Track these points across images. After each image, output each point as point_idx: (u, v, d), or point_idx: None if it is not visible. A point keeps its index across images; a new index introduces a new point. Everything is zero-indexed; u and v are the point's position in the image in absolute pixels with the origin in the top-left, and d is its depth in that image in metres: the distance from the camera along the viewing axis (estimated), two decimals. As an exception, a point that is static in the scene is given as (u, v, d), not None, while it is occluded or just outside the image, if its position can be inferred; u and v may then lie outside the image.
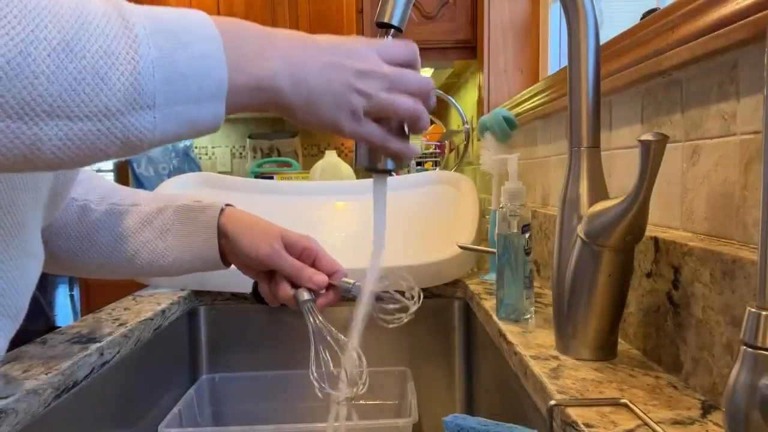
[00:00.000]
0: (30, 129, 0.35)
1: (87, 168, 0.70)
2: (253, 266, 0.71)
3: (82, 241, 0.69)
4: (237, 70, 0.43)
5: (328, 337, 0.70)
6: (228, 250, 0.71)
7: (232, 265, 0.73)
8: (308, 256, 0.72)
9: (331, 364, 0.71)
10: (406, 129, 0.55)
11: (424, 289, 1.14)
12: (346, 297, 0.73)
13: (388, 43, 0.54)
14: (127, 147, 0.39)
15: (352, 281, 0.73)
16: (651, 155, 0.53)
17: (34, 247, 0.56)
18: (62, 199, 0.62)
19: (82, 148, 0.37)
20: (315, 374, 0.69)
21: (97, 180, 0.73)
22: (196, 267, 0.72)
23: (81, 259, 0.70)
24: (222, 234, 0.71)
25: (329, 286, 0.72)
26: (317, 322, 0.70)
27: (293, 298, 0.69)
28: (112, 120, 0.37)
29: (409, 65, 0.54)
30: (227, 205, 0.74)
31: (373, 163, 0.58)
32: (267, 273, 0.72)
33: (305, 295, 0.70)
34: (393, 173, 0.61)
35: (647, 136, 0.52)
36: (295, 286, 0.70)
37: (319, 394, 0.69)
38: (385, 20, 0.58)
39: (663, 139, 0.52)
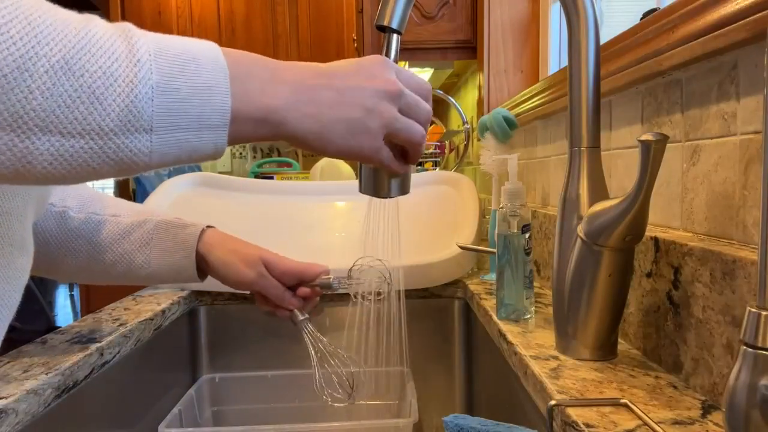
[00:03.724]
0: (22, 142, 0.35)
1: None
2: (237, 289, 0.76)
3: (60, 248, 0.70)
4: (242, 101, 0.42)
5: (326, 350, 0.76)
6: (210, 273, 0.75)
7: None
8: (290, 277, 0.76)
9: (334, 374, 0.77)
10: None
11: (424, 290, 1.14)
12: (329, 290, 0.79)
13: (406, 70, 0.53)
14: (121, 168, 0.39)
15: (330, 277, 0.78)
16: (651, 155, 0.53)
17: (21, 238, 0.56)
18: (50, 192, 0.62)
19: (73, 165, 0.37)
20: (321, 383, 0.74)
21: (82, 187, 0.74)
22: (172, 280, 0.75)
23: (58, 264, 0.71)
24: (202, 259, 0.74)
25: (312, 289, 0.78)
26: (315, 339, 0.76)
27: (289, 318, 0.76)
28: (105, 140, 0.37)
29: (423, 98, 0.53)
30: (208, 227, 0.77)
31: (378, 192, 0.59)
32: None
33: (300, 316, 0.76)
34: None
35: (647, 136, 0.52)
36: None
37: (330, 401, 0.74)
38: (385, 23, 0.58)
39: (663, 139, 0.52)
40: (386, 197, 0.59)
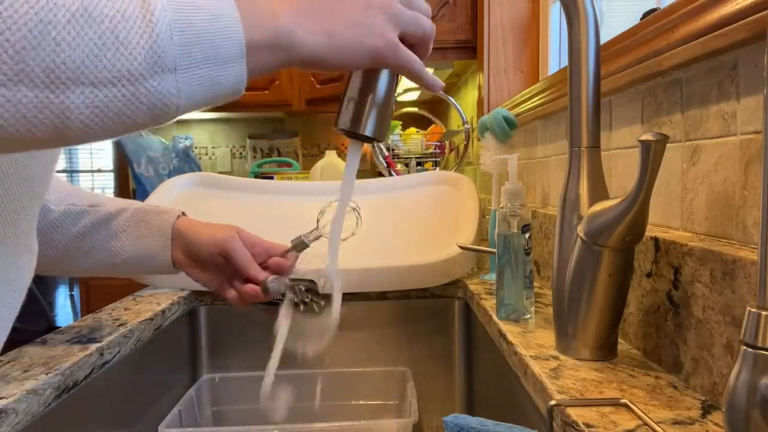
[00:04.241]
0: (57, 97, 0.35)
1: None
2: (207, 258, 0.74)
3: (39, 240, 0.70)
4: (252, 28, 0.42)
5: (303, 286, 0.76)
6: (184, 249, 0.74)
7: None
8: (261, 250, 0.76)
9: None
10: None
11: (424, 290, 1.14)
12: (303, 248, 0.77)
13: None
14: (155, 113, 0.39)
15: (300, 236, 0.77)
16: (651, 155, 0.53)
17: (27, 238, 0.56)
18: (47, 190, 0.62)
19: (109, 116, 0.37)
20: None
21: (56, 182, 0.74)
22: (146, 267, 0.75)
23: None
24: (178, 235, 0.74)
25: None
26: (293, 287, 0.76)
27: (262, 288, 0.73)
28: (136, 85, 0.37)
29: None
30: (183, 213, 0.78)
31: (356, 127, 0.55)
32: (220, 276, 0.76)
33: (272, 282, 0.74)
34: (374, 143, 0.60)
35: (647, 136, 0.52)
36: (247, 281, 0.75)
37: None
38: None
39: (663, 139, 0.52)
40: (362, 134, 0.55)
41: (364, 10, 0.48)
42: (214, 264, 0.75)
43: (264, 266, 0.74)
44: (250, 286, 0.74)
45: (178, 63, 0.38)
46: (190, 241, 0.74)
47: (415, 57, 0.52)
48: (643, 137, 0.52)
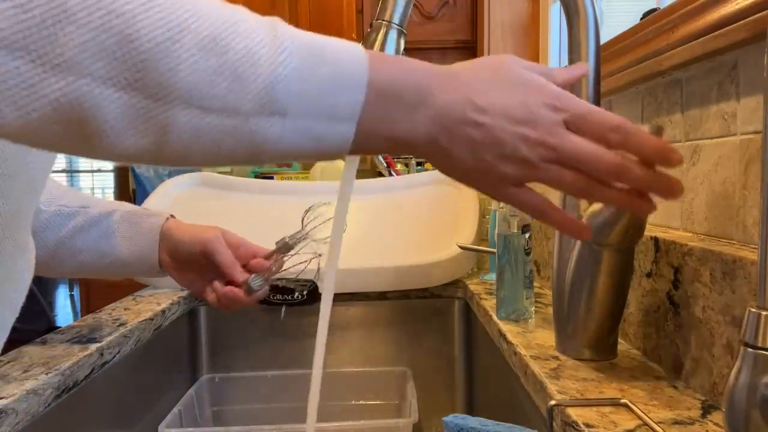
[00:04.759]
0: (164, 112, 0.35)
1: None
2: (190, 258, 0.74)
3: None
4: (375, 114, 0.40)
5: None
6: (169, 251, 0.74)
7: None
8: (245, 251, 0.75)
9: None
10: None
11: (424, 290, 1.14)
12: (287, 251, 0.76)
13: (580, 105, 0.42)
14: (253, 152, 0.39)
15: (284, 237, 0.75)
16: None
17: (24, 238, 0.56)
18: (42, 182, 0.62)
19: (208, 143, 0.38)
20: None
21: (52, 182, 0.74)
22: (134, 269, 0.75)
23: None
24: (164, 237, 0.74)
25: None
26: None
27: (245, 289, 0.72)
28: (240, 119, 0.37)
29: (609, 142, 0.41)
30: (172, 216, 0.78)
31: None
32: (203, 278, 0.75)
33: (255, 279, 0.72)
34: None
35: (643, 128, 0.52)
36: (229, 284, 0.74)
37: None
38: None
39: (658, 130, 0.53)
40: None
41: (506, 161, 0.41)
42: (197, 265, 0.74)
43: (247, 269, 0.74)
44: (229, 288, 0.72)
45: (289, 110, 0.38)
46: (175, 241, 0.74)
47: (534, 199, 0.44)
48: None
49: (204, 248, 0.72)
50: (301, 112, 0.38)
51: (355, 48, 0.40)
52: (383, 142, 0.42)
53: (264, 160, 0.41)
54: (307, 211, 0.75)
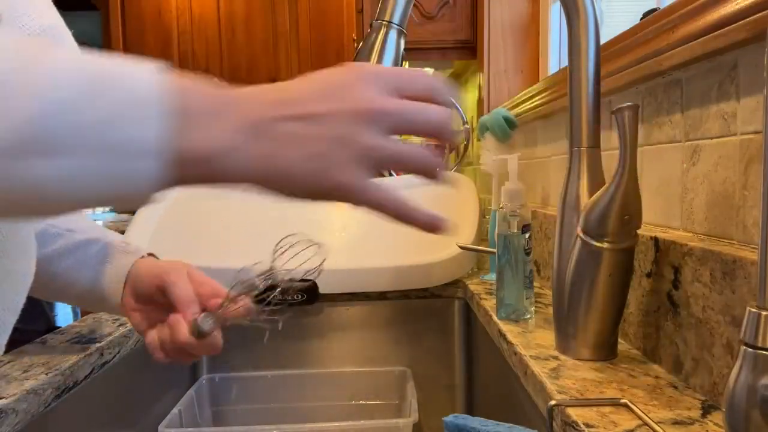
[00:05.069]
0: None
1: None
2: (147, 293, 0.64)
3: None
4: (174, 137, 0.34)
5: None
6: (133, 291, 0.65)
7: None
8: (208, 288, 0.63)
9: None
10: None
11: (424, 290, 1.14)
12: (252, 290, 0.61)
13: (398, 70, 0.42)
14: (33, 197, 0.33)
15: (251, 277, 0.60)
16: (627, 123, 0.56)
17: (25, 241, 0.56)
18: None
19: None
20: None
21: None
22: (97, 306, 0.70)
23: None
24: (131, 277, 0.65)
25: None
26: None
27: (191, 329, 0.58)
28: (4, 160, 0.31)
29: (429, 99, 0.41)
30: (150, 254, 0.69)
31: None
32: (157, 317, 0.63)
33: (205, 319, 0.58)
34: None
35: (619, 107, 0.57)
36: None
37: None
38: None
39: (635, 106, 0.56)
40: None
41: (333, 145, 0.38)
42: (154, 302, 0.64)
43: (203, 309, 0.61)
44: (173, 328, 0.59)
45: (64, 148, 0.32)
46: (136, 278, 0.65)
47: (397, 196, 0.41)
48: (615, 108, 0.57)
49: (161, 282, 0.62)
50: (84, 149, 0.32)
51: (146, 72, 0.35)
52: (201, 169, 0.36)
53: (64, 209, 0.36)
54: (276, 250, 0.61)
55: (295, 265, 0.59)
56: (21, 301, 0.56)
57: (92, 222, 0.74)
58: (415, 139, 0.47)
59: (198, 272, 0.64)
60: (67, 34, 0.56)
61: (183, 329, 0.57)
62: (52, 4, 0.57)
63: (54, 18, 0.55)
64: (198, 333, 0.57)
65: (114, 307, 0.67)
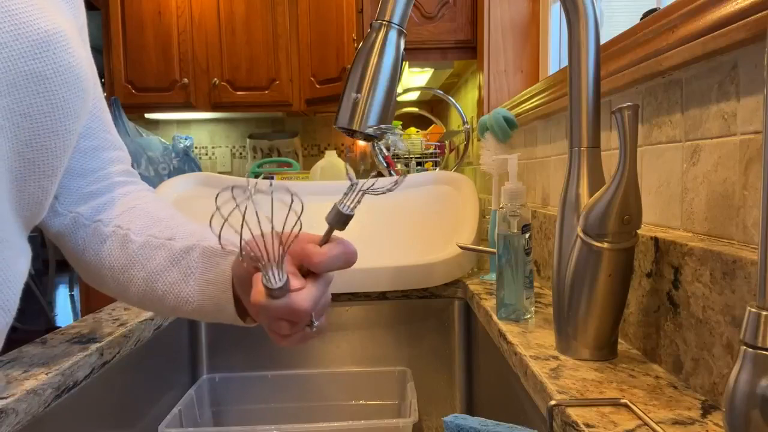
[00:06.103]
0: None
1: (139, 188, 0.69)
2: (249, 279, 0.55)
3: (123, 274, 0.63)
4: None
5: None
6: (237, 283, 0.60)
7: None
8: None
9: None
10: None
11: (424, 290, 1.14)
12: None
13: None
14: None
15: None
16: (627, 123, 0.56)
17: (15, 240, 0.55)
18: (34, 191, 0.55)
19: None
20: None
21: (150, 206, 0.67)
22: (218, 318, 0.63)
23: (125, 292, 0.65)
24: (235, 274, 0.60)
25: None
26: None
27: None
28: None
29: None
30: None
31: (356, 125, 0.57)
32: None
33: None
34: (375, 142, 0.60)
35: (620, 107, 0.57)
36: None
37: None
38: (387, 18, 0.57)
39: (635, 106, 0.57)
40: (361, 131, 0.55)
41: None
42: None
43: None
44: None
45: None
46: (239, 278, 0.59)
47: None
48: (615, 108, 0.57)
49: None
50: None
51: None
52: None
53: None
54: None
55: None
56: (16, 303, 0.56)
57: (188, 223, 0.67)
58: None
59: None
60: (73, 37, 0.54)
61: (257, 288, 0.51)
62: (62, 7, 0.56)
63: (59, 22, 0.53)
64: (268, 292, 0.50)
65: (231, 316, 0.61)
